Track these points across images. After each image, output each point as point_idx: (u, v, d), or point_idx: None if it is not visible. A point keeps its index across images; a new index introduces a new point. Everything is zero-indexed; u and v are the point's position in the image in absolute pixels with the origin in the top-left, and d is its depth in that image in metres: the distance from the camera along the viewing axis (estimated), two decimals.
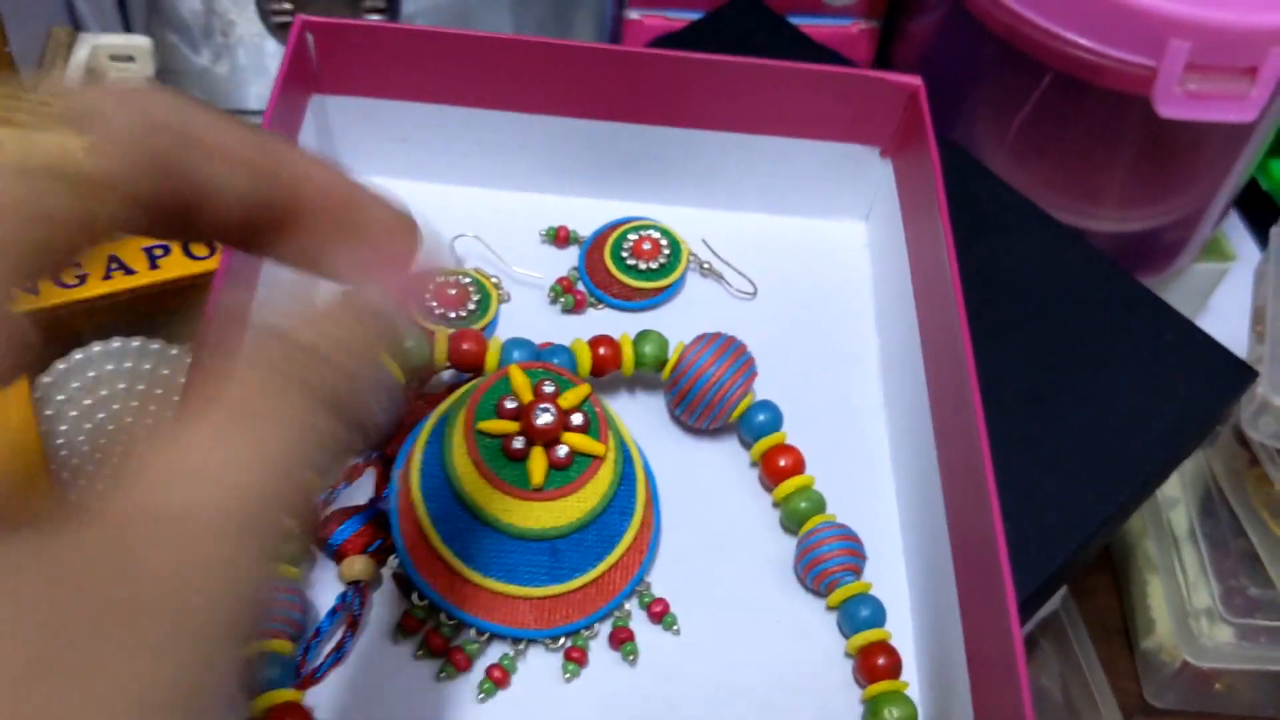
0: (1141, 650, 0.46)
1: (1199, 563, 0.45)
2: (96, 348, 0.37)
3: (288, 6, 0.45)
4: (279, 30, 0.47)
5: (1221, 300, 0.58)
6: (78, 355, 0.37)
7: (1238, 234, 0.59)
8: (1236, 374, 0.37)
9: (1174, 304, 0.57)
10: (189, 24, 0.50)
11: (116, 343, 0.37)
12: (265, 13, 0.46)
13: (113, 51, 0.44)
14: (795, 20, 0.49)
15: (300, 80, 0.35)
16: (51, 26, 0.44)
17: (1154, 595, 0.45)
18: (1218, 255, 0.56)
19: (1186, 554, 0.46)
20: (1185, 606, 0.44)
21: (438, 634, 0.29)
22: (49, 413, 0.36)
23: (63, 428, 0.36)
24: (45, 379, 0.36)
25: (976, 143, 0.51)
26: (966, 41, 0.49)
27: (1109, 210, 0.52)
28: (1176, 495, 0.46)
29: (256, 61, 0.51)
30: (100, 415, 0.36)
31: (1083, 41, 0.45)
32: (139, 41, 0.44)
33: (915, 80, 0.35)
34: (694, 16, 0.49)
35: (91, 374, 0.37)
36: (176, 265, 0.38)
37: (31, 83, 0.41)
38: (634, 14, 0.55)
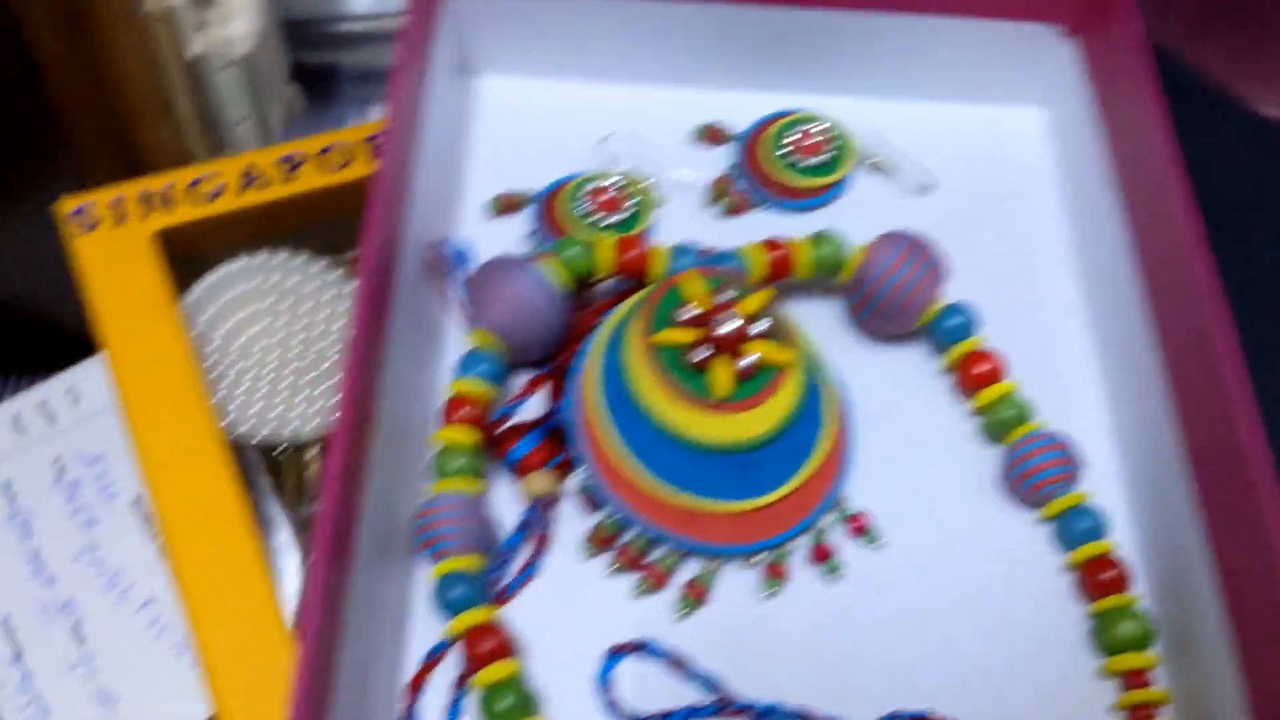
0: None
1: None
2: (239, 263, 0.36)
3: None
4: None
5: None
6: (221, 271, 0.36)
7: None
8: None
9: None
10: None
11: (259, 257, 0.36)
12: None
13: None
14: None
15: None
16: None
17: None
18: None
19: None
20: None
21: (630, 550, 0.28)
22: (195, 332, 0.35)
23: (210, 347, 0.35)
24: (189, 297, 0.35)
25: (1157, 16, 0.47)
26: None
27: None
28: None
29: None
30: (250, 332, 0.35)
31: None
32: None
33: None
34: None
35: (237, 290, 0.35)
36: (314, 175, 0.37)
37: None
38: None
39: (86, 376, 0.44)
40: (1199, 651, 0.26)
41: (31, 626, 0.42)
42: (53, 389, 0.45)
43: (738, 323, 0.28)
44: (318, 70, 0.53)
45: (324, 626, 0.23)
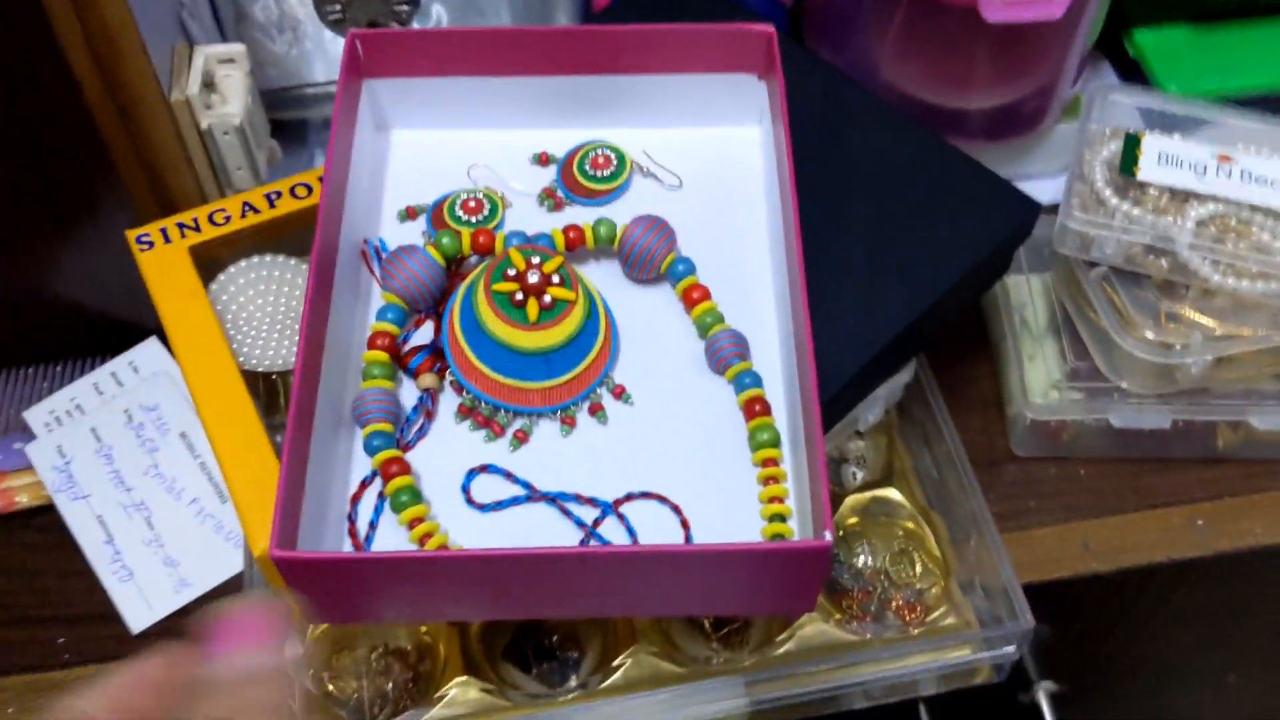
0: (1009, 415, 0.63)
1: (1055, 350, 0.62)
2: (243, 263, 0.55)
3: (337, 7, 0.61)
4: (334, 25, 0.63)
5: None
6: (231, 269, 0.55)
7: None
8: (1023, 207, 0.53)
9: (1044, 158, 0.73)
10: (266, 25, 0.67)
11: (256, 258, 0.55)
12: (322, 13, 0.62)
13: (219, 57, 0.61)
14: None
15: (355, 73, 0.52)
16: (174, 45, 0.61)
17: (1015, 377, 0.61)
18: (1077, 114, 0.71)
19: (1046, 345, 0.62)
20: (1031, 382, 0.61)
21: (481, 414, 0.47)
22: (219, 309, 0.54)
23: (229, 317, 0.54)
24: (213, 286, 0.55)
25: (867, 51, 0.66)
26: None
27: (977, 91, 0.67)
28: (1027, 300, 0.63)
29: (319, 47, 0.68)
30: (252, 305, 0.54)
31: None
32: (236, 48, 0.61)
33: (769, 28, 0.51)
34: None
35: (241, 280, 0.55)
36: (288, 204, 0.56)
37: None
38: None
39: (142, 353, 0.65)
40: (801, 450, 0.44)
41: (119, 520, 0.63)
42: (119, 363, 0.66)
43: (538, 277, 0.47)
44: (292, 123, 0.72)
45: (293, 464, 0.41)
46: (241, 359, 0.53)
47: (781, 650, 0.52)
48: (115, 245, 0.55)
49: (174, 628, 0.58)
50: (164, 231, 0.55)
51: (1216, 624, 0.73)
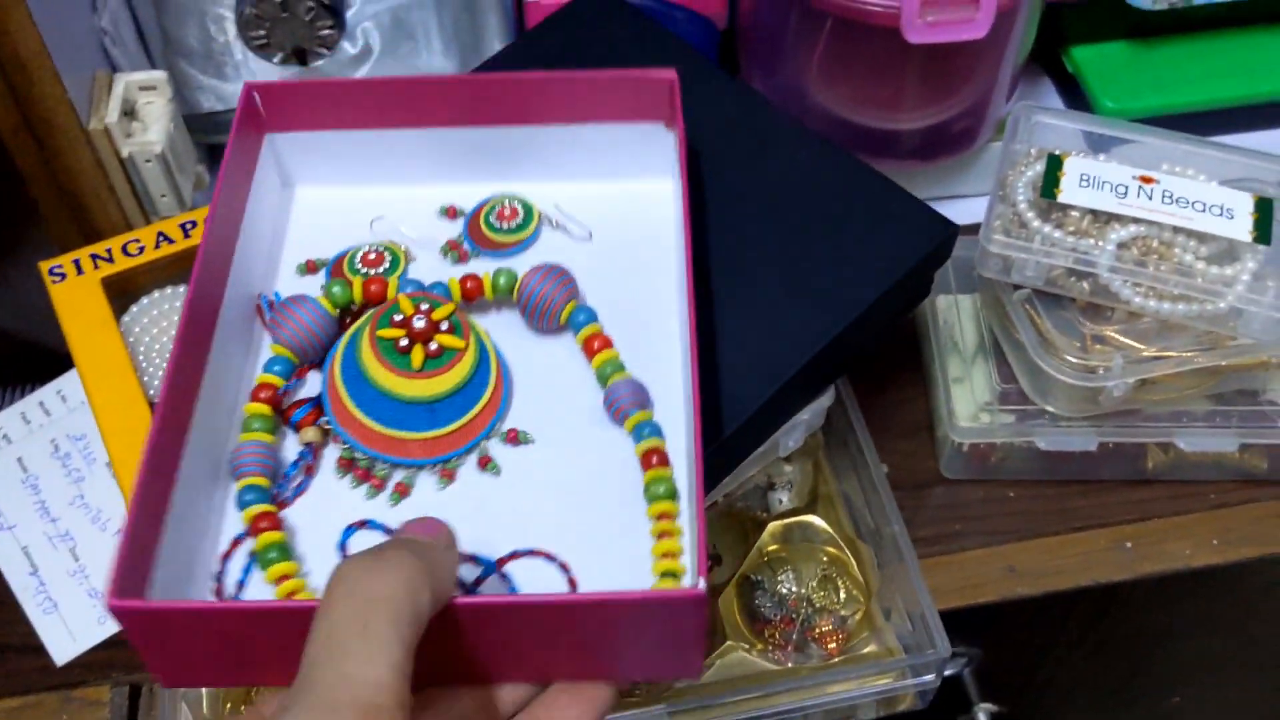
0: (938, 438, 0.60)
1: (984, 372, 0.60)
2: (156, 294, 0.54)
3: (262, 33, 0.61)
4: (259, 50, 0.63)
5: None
6: (144, 300, 0.54)
7: None
8: (940, 229, 0.51)
9: (978, 178, 0.72)
10: (195, 51, 0.66)
11: (170, 289, 0.54)
12: (247, 39, 0.62)
13: (140, 84, 0.60)
14: None
15: (253, 126, 0.51)
16: (95, 71, 0.60)
17: (943, 399, 0.59)
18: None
19: (975, 367, 0.60)
20: (959, 404, 0.58)
21: (361, 468, 0.44)
22: (131, 340, 0.53)
23: (141, 349, 0.53)
24: (126, 318, 0.53)
25: (797, 74, 0.65)
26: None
27: (907, 112, 0.66)
28: (955, 321, 0.61)
29: (251, 71, 0.68)
30: (164, 339, 0.53)
31: None
32: (158, 75, 0.61)
33: (670, 74, 0.50)
34: None
35: (155, 311, 0.54)
36: (201, 235, 0.55)
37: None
38: None
39: (69, 383, 0.64)
40: (690, 503, 0.41)
41: (44, 551, 0.62)
42: (47, 392, 0.66)
43: (425, 323, 0.45)
44: (223, 147, 0.72)
45: (143, 513, 0.38)
46: (152, 391, 0.51)
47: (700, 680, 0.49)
48: (39, 275, 0.55)
49: (98, 660, 0.57)
50: (76, 263, 0.54)
51: (1150, 647, 0.71)
